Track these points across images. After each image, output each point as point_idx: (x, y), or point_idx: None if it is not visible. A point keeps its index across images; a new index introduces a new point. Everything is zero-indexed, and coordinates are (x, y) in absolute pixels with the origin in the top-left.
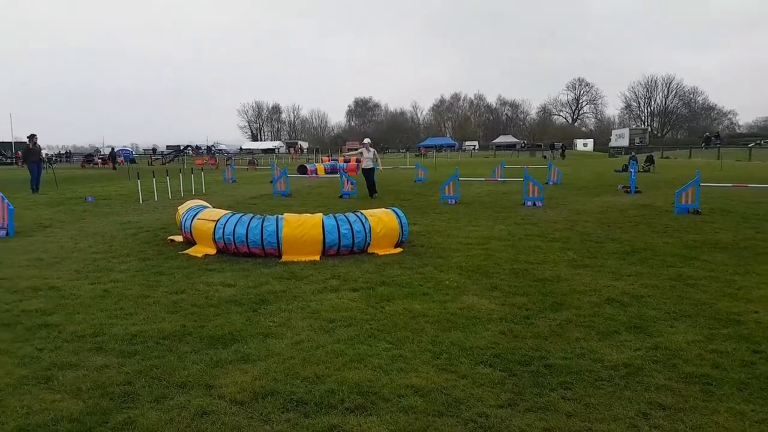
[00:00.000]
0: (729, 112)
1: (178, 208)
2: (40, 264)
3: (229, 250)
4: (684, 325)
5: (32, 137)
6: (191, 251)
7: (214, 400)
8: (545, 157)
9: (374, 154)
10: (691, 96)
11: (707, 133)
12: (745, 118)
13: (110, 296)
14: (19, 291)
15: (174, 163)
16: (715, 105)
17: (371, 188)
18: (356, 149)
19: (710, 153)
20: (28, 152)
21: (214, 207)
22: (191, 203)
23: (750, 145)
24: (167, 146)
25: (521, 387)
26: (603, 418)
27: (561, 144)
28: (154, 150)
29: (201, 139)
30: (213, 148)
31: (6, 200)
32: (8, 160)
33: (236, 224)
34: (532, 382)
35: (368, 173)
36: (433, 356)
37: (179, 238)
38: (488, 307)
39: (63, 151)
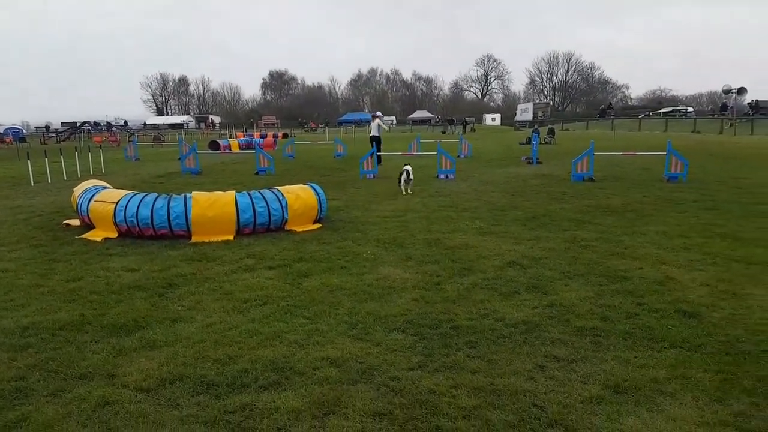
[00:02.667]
0: (622, 86)
1: (74, 189)
2: None
3: (132, 233)
4: (577, 283)
5: None
6: (90, 235)
7: (118, 390)
8: (444, 132)
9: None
10: (589, 71)
11: (602, 106)
12: (636, 91)
13: None
14: None
15: (70, 141)
16: (610, 79)
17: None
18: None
19: (605, 124)
20: None
21: (114, 187)
22: (87, 184)
23: (640, 117)
24: (62, 123)
25: (430, 349)
26: (504, 372)
27: (462, 119)
28: (47, 128)
29: (100, 115)
30: (113, 124)
31: None
32: None
33: (139, 205)
34: (441, 343)
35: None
36: (349, 327)
37: (76, 222)
38: (403, 276)
39: None
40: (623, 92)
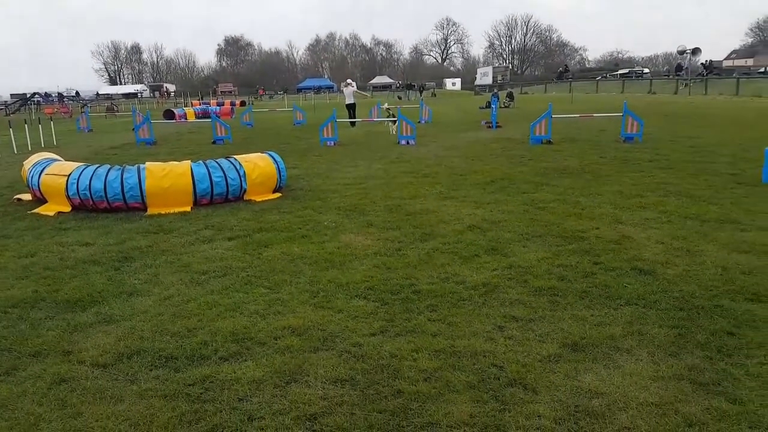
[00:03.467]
0: (580, 48)
1: (24, 163)
2: None
3: (86, 207)
4: (535, 245)
5: None
6: (42, 210)
7: (74, 366)
8: (399, 98)
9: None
10: (547, 33)
11: (560, 68)
12: (594, 53)
13: None
14: None
15: (20, 113)
16: (568, 42)
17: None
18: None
19: (563, 87)
20: None
21: (66, 160)
22: (38, 156)
23: (597, 79)
24: (11, 95)
25: (392, 314)
26: (464, 334)
27: (422, 83)
28: None
29: (51, 86)
30: (65, 95)
31: None
32: None
33: (92, 177)
34: (402, 308)
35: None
36: (310, 296)
37: (27, 197)
38: (364, 243)
39: None
40: (581, 54)
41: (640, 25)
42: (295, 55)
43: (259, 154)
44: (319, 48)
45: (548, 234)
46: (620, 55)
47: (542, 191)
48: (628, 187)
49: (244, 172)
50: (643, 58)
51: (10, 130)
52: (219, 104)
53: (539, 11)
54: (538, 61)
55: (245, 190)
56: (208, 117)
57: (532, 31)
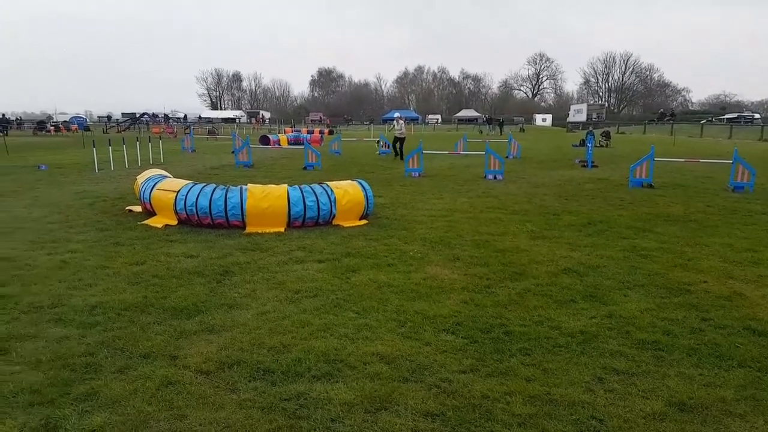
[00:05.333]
0: (683, 90)
1: (137, 177)
2: None
3: (191, 221)
4: (637, 294)
5: None
6: (151, 221)
7: (179, 371)
8: (481, 132)
9: (401, 126)
10: (648, 73)
11: (662, 110)
12: (698, 95)
13: (68, 267)
14: None
15: (130, 131)
16: (670, 82)
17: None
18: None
19: (664, 129)
20: None
21: (174, 177)
22: (150, 172)
23: (702, 122)
24: (123, 113)
25: (482, 353)
26: (560, 382)
27: (498, 118)
28: (109, 117)
29: (158, 107)
30: (170, 116)
31: None
32: None
33: (199, 195)
34: (493, 348)
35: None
36: (398, 325)
37: (138, 208)
38: (451, 277)
39: (13, 118)
40: (683, 96)
41: (750, 67)
42: (383, 87)
43: (350, 181)
44: (407, 80)
45: (651, 284)
46: (727, 99)
47: (644, 238)
48: (739, 239)
49: (335, 197)
50: (753, 103)
51: (124, 146)
52: (309, 132)
53: (639, 49)
54: (637, 101)
55: (335, 216)
56: (300, 144)
57: (631, 69)
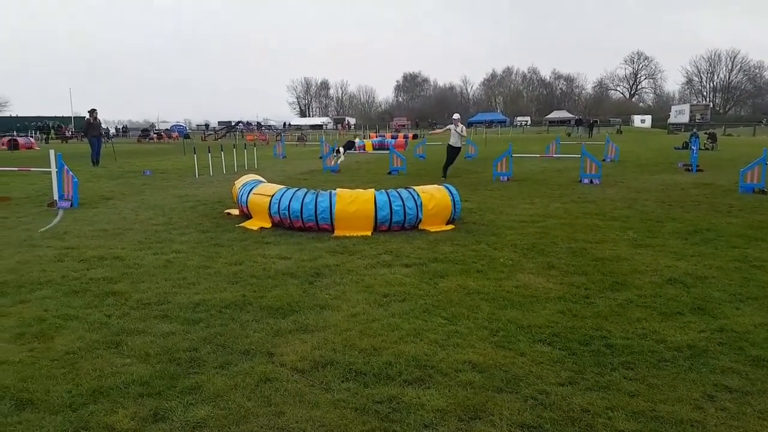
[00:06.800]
0: None
1: (235, 182)
2: (105, 234)
3: (284, 224)
4: (750, 308)
5: (93, 112)
6: (247, 224)
7: (276, 368)
8: (569, 134)
9: (463, 130)
10: (757, 71)
11: None
12: None
13: (173, 266)
14: (86, 260)
15: (226, 138)
16: None
17: (446, 168)
18: (403, 125)
19: None
20: (89, 126)
21: (267, 182)
22: (247, 178)
23: None
24: (219, 122)
25: (581, 366)
26: (667, 399)
27: (590, 119)
28: (206, 126)
29: (251, 115)
30: (263, 124)
31: (71, 173)
32: (69, 135)
33: (291, 199)
34: (593, 361)
35: (452, 151)
36: (490, 333)
37: (235, 212)
38: (545, 285)
39: (119, 126)
40: None
41: None
42: (468, 90)
43: (436, 185)
44: (495, 82)
45: (766, 297)
46: None
47: (757, 247)
48: None
49: (422, 202)
50: None
51: (222, 152)
52: (393, 137)
53: (747, 46)
54: (745, 101)
55: (421, 220)
56: (384, 149)
57: (738, 67)
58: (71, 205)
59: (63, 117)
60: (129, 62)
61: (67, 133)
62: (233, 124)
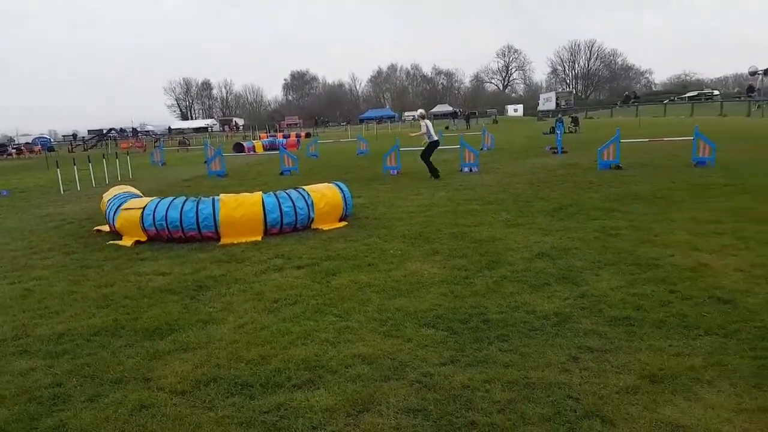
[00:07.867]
0: (645, 71)
1: (103, 195)
2: None
3: (162, 237)
4: (608, 273)
5: None
6: (121, 241)
7: (153, 393)
8: (447, 128)
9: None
10: (611, 57)
11: (627, 93)
12: (660, 76)
13: (33, 295)
14: None
15: (97, 148)
16: (633, 65)
17: (429, 165)
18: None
19: (629, 111)
20: None
21: (142, 192)
22: (116, 190)
23: (664, 102)
24: (89, 131)
25: (462, 344)
26: (537, 365)
27: (466, 112)
28: (74, 136)
29: (126, 122)
30: (138, 130)
31: None
32: None
33: (168, 208)
34: (472, 337)
35: (432, 146)
36: (379, 324)
37: (106, 228)
38: (430, 271)
39: None
40: (647, 78)
41: (708, 46)
42: (357, 87)
43: (327, 184)
44: (381, 79)
45: (621, 262)
46: (688, 78)
47: (613, 218)
48: (703, 212)
49: (312, 201)
50: (712, 80)
51: (90, 164)
52: (285, 137)
53: (603, 36)
54: (603, 86)
55: (313, 219)
56: (276, 149)
57: (596, 55)
58: None
59: None
60: None
61: None
62: (104, 131)
